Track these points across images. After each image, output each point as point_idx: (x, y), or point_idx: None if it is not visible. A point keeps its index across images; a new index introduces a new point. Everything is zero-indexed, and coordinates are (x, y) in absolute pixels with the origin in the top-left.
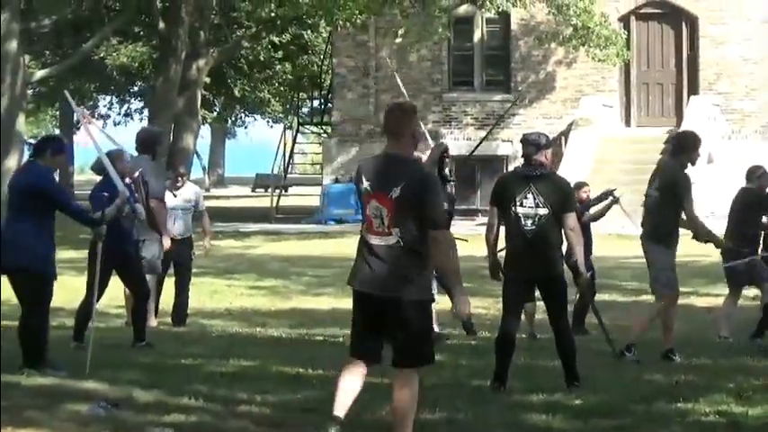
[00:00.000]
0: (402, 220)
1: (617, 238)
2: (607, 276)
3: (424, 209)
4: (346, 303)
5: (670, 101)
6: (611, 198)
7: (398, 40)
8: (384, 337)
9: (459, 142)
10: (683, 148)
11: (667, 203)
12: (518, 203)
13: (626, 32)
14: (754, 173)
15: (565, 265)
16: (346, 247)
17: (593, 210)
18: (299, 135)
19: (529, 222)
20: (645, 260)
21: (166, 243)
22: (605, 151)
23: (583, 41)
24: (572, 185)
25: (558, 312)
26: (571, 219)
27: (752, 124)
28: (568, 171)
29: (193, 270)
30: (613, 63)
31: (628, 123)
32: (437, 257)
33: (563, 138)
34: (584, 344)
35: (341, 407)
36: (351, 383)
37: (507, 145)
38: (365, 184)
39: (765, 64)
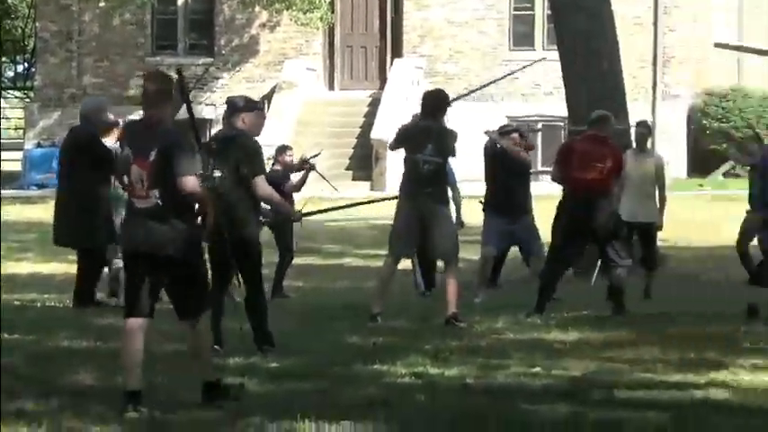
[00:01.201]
0: (159, 182)
1: (318, 201)
2: (308, 240)
3: (174, 168)
4: (47, 268)
5: (374, 64)
6: (307, 166)
7: (102, 4)
8: (157, 292)
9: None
10: (438, 108)
11: (442, 168)
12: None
13: None
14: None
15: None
16: (47, 211)
17: (294, 179)
18: (1, 100)
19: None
20: (414, 224)
21: None
22: (309, 114)
23: (287, 5)
24: (259, 148)
25: (248, 273)
26: (259, 183)
27: (455, 87)
28: (272, 134)
29: None
30: (317, 27)
31: (331, 87)
32: (198, 204)
33: (266, 101)
34: (283, 306)
35: (135, 378)
36: (137, 345)
37: (211, 108)
38: (126, 150)
39: (469, 27)
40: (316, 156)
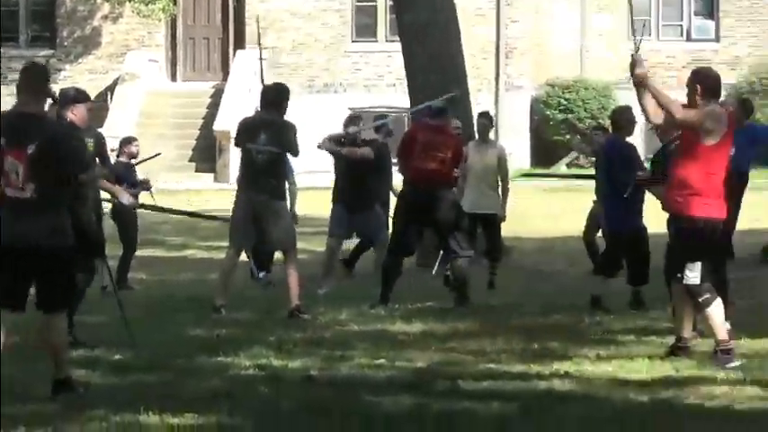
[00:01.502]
0: (37, 174)
1: (162, 193)
2: (152, 231)
3: (64, 161)
4: None
5: (216, 56)
6: (146, 187)
7: None
8: (29, 284)
9: (6, 99)
10: (277, 101)
11: (284, 156)
12: None
13: None
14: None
15: None
16: None
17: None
18: None
19: None
20: (251, 215)
21: None
22: (151, 106)
23: None
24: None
25: (82, 263)
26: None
27: (299, 78)
28: (115, 126)
29: None
30: (159, 18)
31: (174, 78)
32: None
33: (109, 93)
34: (127, 298)
35: None
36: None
37: None
38: (1, 140)
39: (312, 18)
40: (155, 156)
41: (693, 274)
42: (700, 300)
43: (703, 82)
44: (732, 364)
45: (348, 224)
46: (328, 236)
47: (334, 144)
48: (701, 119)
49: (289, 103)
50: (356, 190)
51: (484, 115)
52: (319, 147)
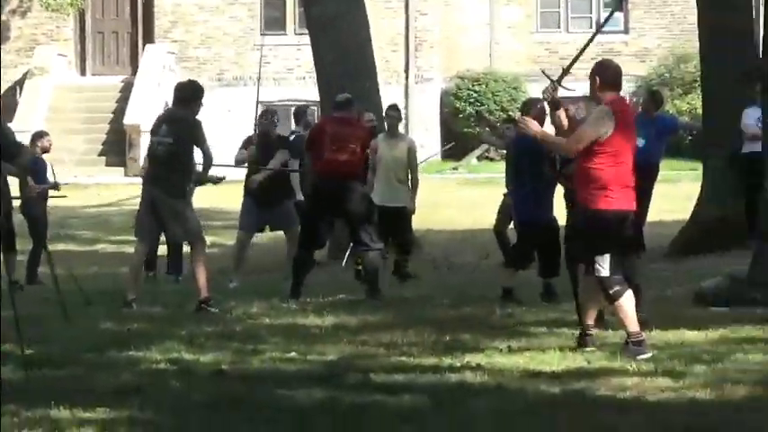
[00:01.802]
0: None
1: (73, 188)
2: (62, 226)
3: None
4: None
5: (125, 50)
6: (49, 185)
7: None
8: None
9: None
10: (188, 98)
11: (185, 152)
12: None
13: None
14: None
15: None
16: None
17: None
18: None
19: None
20: (159, 212)
21: None
22: (61, 100)
23: None
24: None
25: None
26: None
27: (208, 72)
28: (23, 121)
29: None
30: (67, 12)
31: (83, 72)
32: None
33: (18, 87)
34: (38, 293)
35: None
36: None
37: None
38: None
39: (220, 12)
40: (62, 197)
41: (603, 267)
42: (610, 292)
43: (602, 74)
44: (643, 356)
45: (258, 217)
46: (238, 229)
47: (253, 163)
48: (589, 139)
49: (202, 101)
50: (267, 184)
51: (392, 108)
52: (253, 186)
